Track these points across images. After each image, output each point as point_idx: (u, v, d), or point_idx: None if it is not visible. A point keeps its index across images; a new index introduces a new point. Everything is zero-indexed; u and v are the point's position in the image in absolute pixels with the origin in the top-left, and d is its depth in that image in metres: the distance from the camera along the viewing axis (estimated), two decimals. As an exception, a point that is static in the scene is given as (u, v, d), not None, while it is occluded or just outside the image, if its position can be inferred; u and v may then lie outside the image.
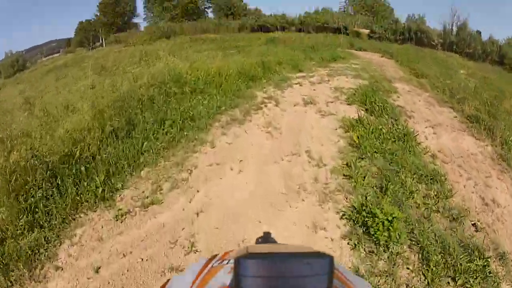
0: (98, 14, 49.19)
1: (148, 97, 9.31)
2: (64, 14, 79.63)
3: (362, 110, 9.98)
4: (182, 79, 10.96)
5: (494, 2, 63.23)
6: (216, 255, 0.97)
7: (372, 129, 8.00)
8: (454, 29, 35.57)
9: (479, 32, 34.29)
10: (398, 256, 4.45)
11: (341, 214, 5.20)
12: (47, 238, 4.50)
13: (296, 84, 12.70)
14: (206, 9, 53.05)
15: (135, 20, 53.05)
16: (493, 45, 32.49)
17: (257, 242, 1.88)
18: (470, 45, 32.73)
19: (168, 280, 0.95)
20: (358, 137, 7.63)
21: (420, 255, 4.52)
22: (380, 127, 8.43)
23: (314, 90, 12.04)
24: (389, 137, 7.76)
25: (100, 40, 46.69)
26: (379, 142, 7.43)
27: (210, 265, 0.87)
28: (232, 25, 43.66)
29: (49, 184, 5.23)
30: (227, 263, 0.83)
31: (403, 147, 7.39)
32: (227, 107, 9.51)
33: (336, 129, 8.68)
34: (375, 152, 6.99)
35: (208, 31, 40.36)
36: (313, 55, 20.63)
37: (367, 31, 36.67)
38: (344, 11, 46.48)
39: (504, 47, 31.83)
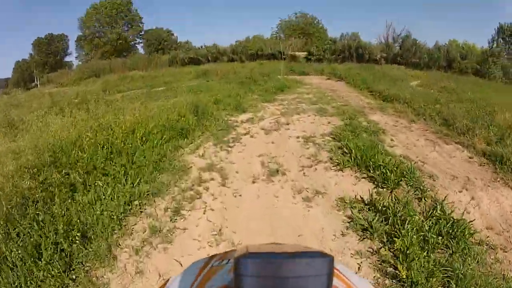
0: (33, 53, 48.11)
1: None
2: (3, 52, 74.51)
3: (364, 179, 6.29)
4: (71, 156, 6.57)
5: (430, 9, 63.08)
6: (215, 254, 0.89)
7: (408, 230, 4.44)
8: (390, 41, 33.81)
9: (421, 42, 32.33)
10: None
11: None
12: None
13: (245, 134, 9.17)
14: (136, 45, 50.92)
15: (68, 58, 51.73)
16: (439, 51, 30.64)
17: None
18: (415, 55, 30.53)
19: (167, 280, 0.87)
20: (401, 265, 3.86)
21: None
22: (416, 216, 4.83)
23: (273, 143, 8.48)
24: (435, 241, 4.40)
25: (35, 80, 45.00)
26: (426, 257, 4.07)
27: (209, 265, 0.82)
28: (162, 60, 40.60)
29: None
30: (227, 262, 0.78)
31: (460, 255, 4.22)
32: (142, 202, 5.55)
33: (342, 234, 4.77)
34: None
35: (138, 67, 37.57)
36: (254, 87, 17.21)
37: (304, 54, 33.75)
38: (276, 37, 43.48)
39: (451, 51, 29.99)
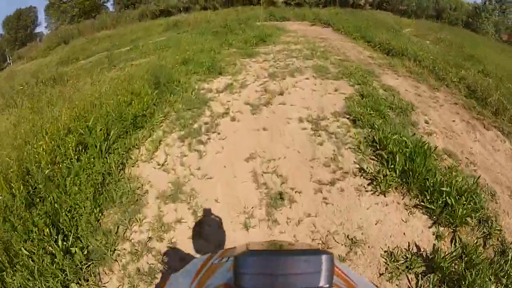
0: (3, 32, 46.04)
1: None
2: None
3: (416, 208, 3.93)
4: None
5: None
6: (216, 252, 0.91)
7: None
8: None
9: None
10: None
11: None
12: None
13: (223, 115, 6.37)
14: (104, 4, 45.98)
15: (38, 29, 48.73)
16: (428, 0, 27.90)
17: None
18: (403, 2, 27.89)
19: (168, 278, 0.90)
20: None
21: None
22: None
23: (265, 130, 5.81)
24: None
25: (8, 58, 42.82)
26: None
27: (209, 263, 0.83)
28: (132, 16, 36.77)
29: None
30: (227, 260, 0.79)
31: None
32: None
33: None
34: None
35: (106, 27, 34.47)
36: (231, 38, 14.02)
37: (281, -1, 30.31)
38: None
39: (440, 1, 27.44)
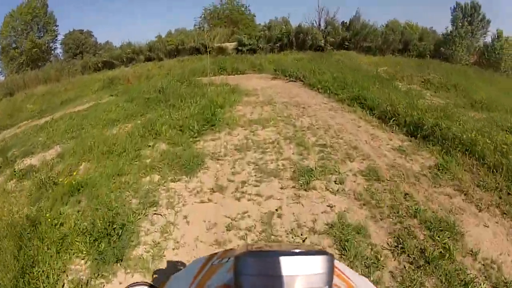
0: None
1: None
2: None
3: None
4: None
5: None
6: (216, 253, 0.90)
7: None
8: (323, 24, 26.35)
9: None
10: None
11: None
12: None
13: None
14: (54, 51, 39.28)
15: None
16: (393, 32, 24.00)
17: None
18: (367, 38, 23.89)
19: (168, 278, 0.87)
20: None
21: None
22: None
23: None
24: None
25: None
26: None
27: (210, 263, 0.82)
28: (76, 67, 30.97)
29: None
30: (227, 261, 0.77)
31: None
32: None
33: None
34: None
35: (50, 78, 28.61)
36: (163, 116, 9.10)
37: (232, 45, 25.39)
38: (200, 27, 34.35)
39: (405, 33, 23.88)
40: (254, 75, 16.58)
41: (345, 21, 25.59)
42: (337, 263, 0.68)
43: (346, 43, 24.28)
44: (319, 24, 26.68)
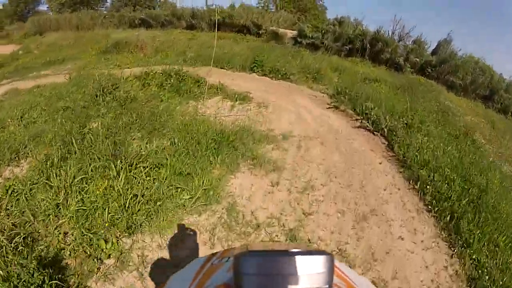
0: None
1: None
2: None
3: None
4: None
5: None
6: (215, 253, 0.86)
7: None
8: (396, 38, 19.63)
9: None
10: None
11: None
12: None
13: None
14: None
15: (41, 7, 38.84)
16: (482, 73, 17.64)
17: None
18: (456, 72, 17.62)
19: (168, 278, 0.83)
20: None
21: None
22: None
23: None
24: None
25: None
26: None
27: (209, 263, 0.79)
28: (112, 19, 26.29)
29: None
30: (227, 260, 0.75)
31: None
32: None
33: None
34: None
35: (82, 26, 25.14)
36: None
37: (291, 33, 19.59)
38: (263, 7, 28.29)
39: (494, 77, 17.89)
40: (300, 88, 10.91)
41: (429, 42, 19.23)
42: (337, 263, 0.65)
43: (429, 70, 18.21)
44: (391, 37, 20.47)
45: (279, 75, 11.19)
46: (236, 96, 8.43)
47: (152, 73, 8.67)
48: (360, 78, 12.34)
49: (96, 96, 7.64)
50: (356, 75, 13.00)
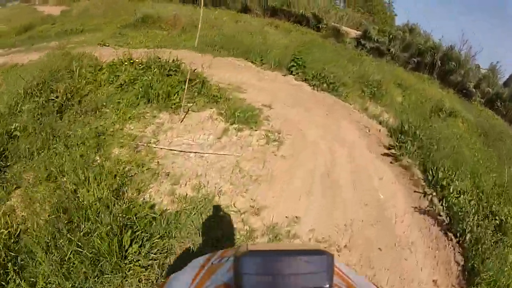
0: None
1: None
2: None
3: None
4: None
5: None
6: (215, 252, 0.77)
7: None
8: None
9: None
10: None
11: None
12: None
13: None
14: None
15: None
16: None
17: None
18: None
19: (168, 278, 0.72)
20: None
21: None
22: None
23: None
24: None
25: None
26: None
27: (209, 263, 0.70)
28: None
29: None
30: (227, 260, 0.66)
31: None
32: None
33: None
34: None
35: None
36: None
37: (355, 33, 14.89)
38: (330, 1, 22.79)
39: None
40: (348, 110, 6.60)
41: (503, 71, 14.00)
42: (337, 262, 0.56)
43: (498, 103, 13.15)
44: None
45: (324, 84, 6.93)
46: (239, 113, 4.54)
47: (125, 62, 5.02)
48: (430, 106, 7.90)
49: (24, 97, 4.21)
50: (424, 98, 8.62)
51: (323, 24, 14.35)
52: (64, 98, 4.25)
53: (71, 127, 3.99)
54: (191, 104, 4.65)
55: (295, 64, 7.37)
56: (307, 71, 7.24)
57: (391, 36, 13.97)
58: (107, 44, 7.23)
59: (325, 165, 4.18)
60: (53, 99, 4.24)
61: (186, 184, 3.47)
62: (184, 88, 4.39)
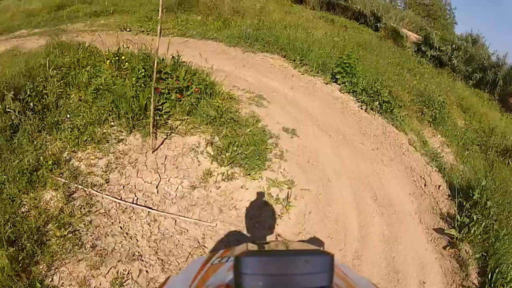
0: None
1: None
2: None
3: None
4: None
5: None
6: (216, 252, 0.67)
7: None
8: None
9: None
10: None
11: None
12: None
13: None
14: None
15: None
16: None
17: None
18: None
19: (168, 278, 0.65)
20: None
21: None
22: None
23: None
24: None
25: None
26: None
27: (209, 263, 0.61)
28: None
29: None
30: (227, 260, 0.58)
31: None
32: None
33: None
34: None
35: None
36: None
37: (415, 37, 12.07)
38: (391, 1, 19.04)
39: None
40: (402, 146, 4.46)
41: None
42: (337, 262, 0.51)
43: None
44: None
45: (377, 102, 4.82)
46: (236, 147, 2.86)
47: (111, 58, 3.43)
48: (494, 142, 5.57)
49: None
50: (487, 125, 6.27)
51: (382, 24, 11.76)
52: (23, 107, 2.85)
53: (18, 151, 2.60)
54: (179, 123, 3.04)
55: (342, 71, 5.31)
56: (357, 81, 5.19)
57: (453, 45, 11.12)
58: (128, 29, 5.74)
59: (353, 251, 2.43)
60: (8, 110, 2.85)
61: (108, 273, 1.94)
62: (173, 100, 2.79)
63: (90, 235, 2.15)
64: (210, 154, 2.82)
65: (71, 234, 2.14)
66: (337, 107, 4.63)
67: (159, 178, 2.62)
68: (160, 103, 2.97)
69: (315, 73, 5.30)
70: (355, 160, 3.58)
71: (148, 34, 5.54)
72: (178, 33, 5.74)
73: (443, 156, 4.48)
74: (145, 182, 2.60)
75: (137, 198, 2.52)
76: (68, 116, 2.95)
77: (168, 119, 3.00)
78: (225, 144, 2.88)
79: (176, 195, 2.53)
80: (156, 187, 2.57)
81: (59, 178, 2.57)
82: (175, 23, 6.27)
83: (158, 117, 2.88)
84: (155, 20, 6.13)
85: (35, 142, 2.76)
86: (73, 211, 2.38)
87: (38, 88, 3.03)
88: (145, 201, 2.50)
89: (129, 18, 6.45)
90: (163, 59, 3.26)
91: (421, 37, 12.05)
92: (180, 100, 3.10)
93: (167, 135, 2.90)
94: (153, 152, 2.74)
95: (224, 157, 2.77)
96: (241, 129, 3.18)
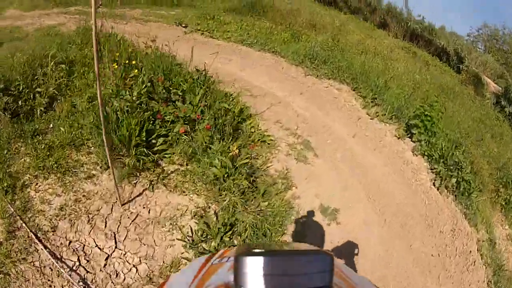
0: None
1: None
2: None
3: None
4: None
5: None
6: (216, 252, 0.59)
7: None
8: None
9: None
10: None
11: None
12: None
13: None
14: None
15: None
16: None
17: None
18: None
19: (168, 277, 0.56)
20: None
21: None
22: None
23: None
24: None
25: None
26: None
27: (210, 263, 0.54)
28: None
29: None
30: (227, 260, 0.52)
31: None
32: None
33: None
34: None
35: None
36: None
37: (494, 87, 9.51)
38: (472, 42, 15.23)
39: None
40: (466, 247, 2.92)
41: None
42: (337, 262, 0.47)
43: None
44: None
45: (455, 180, 3.14)
46: (257, 222, 1.79)
47: (125, 62, 2.47)
48: None
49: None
50: None
51: (464, 66, 9.46)
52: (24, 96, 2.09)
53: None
54: (172, 169, 2.02)
55: (420, 124, 3.72)
56: (436, 142, 3.64)
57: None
58: (184, 25, 4.82)
59: None
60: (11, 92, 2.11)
61: None
62: (176, 134, 1.78)
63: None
64: (193, 232, 1.76)
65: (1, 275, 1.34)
66: (406, 176, 3.16)
67: (113, 247, 1.66)
68: (154, 135, 1.97)
69: (387, 119, 3.84)
70: (406, 267, 2.25)
71: (202, 33, 4.57)
72: (236, 39, 4.68)
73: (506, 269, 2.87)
74: (96, 245, 1.66)
75: (78, 265, 1.61)
76: (51, 126, 2.11)
77: (161, 160, 2.00)
78: (220, 222, 1.80)
79: (124, 280, 1.55)
80: (106, 260, 1.62)
81: (10, 206, 1.77)
82: (238, 26, 5.20)
83: (144, 156, 1.90)
84: (220, 22, 5.13)
85: (5, 152, 1.99)
86: (10, 252, 1.59)
87: (32, 85, 2.24)
88: (86, 273, 1.58)
89: (191, 13, 5.51)
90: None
91: (500, 88, 9.56)
92: (185, 135, 2.08)
93: (150, 184, 1.90)
94: (122, 205, 1.78)
95: (211, 245, 1.69)
96: (256, 201, 2.04)
